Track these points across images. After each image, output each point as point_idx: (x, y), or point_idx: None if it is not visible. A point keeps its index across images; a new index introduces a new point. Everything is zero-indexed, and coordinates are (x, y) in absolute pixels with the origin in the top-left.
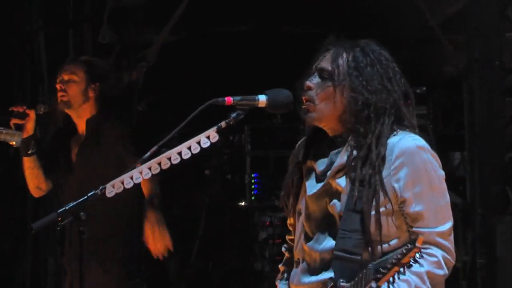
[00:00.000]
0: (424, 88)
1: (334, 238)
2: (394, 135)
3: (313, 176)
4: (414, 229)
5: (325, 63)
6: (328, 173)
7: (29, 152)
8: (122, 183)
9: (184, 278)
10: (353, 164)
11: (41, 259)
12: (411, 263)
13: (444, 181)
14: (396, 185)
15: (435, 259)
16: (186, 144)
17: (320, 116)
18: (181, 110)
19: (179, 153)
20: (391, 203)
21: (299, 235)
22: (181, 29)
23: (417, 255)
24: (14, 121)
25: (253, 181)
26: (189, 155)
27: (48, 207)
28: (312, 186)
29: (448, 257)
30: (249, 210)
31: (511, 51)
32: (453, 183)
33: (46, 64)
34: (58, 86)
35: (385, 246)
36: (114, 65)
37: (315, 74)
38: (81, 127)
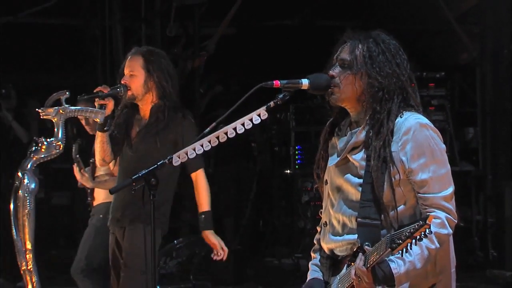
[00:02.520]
0: (443, 73)
1: (349, 206)
2: (401, 116)
3: (335, 151)
4: (420, 194)
5: (344, 54)
6: (345, 148)
7: (105, 128)
8: (186, 153)
9: (238, 234)
10: (369, 140)
11: None
12: (421, 236)
13: (445, 153)
14: (403, 158)
15: (439, 221)
16: (240, 121)
17: (343, 97)
18: (236, 92)
19: (234, 129)
20: (400, 174)
21: (326, 201)
22: (236, 23)
23: (427, 230)
24: (99, 102)
25: (297, 152)
26: (243, 130)
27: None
28: (333, 160)
29: (451, 217)
30: (294, 177)
31: None
32: (468, 153)
33: (122, 52)
34: (123, 82)
35: (397, 210)
36: (180, 54)
37: (336, 64)
38: (144, 111)
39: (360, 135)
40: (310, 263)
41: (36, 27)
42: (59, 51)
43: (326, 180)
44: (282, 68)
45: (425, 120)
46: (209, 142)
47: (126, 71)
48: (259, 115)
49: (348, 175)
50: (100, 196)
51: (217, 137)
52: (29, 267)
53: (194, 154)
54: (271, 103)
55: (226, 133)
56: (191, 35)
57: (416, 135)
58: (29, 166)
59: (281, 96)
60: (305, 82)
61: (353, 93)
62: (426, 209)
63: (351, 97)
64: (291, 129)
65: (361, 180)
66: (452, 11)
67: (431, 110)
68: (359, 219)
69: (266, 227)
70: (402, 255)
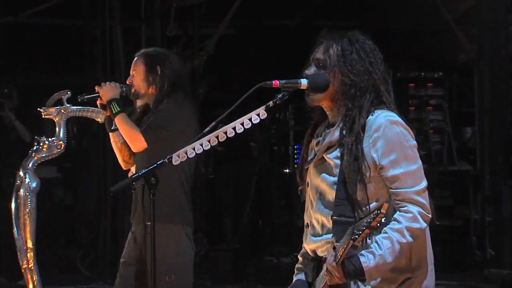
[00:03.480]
0: (441, 73)
1: (326, 205)
2: (372, 114)
3: (313, 152)
4: (392, 190)
5: (319, 54)
6: (320, 148)
7: (112, 128)
8: (186, 153)
9: (237, 233)
10: (343, 137)
11: (119, 217)
12: (378, 225)
13: (415, 149)
14: (374, 155)
15: (411, 215)
16: (239, 120)
17: (318, 98)
18: (235, 92)
19: (234, 128)
20: (371, 171)
21: (307, 202)
22: (236, 23)
23: (382, 219)
24: (99, 101)
25: (295, 151)
26: (242, 130)
27: (124, 173)
28: (311, 160)
29: (424, 211)
30: (293, 176)
31: None
32: (465, 153)
33: (122, 52)
34: (128, 82)
35: (370, 206)
36: (180, 54)
37: (312, 64)
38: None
39: (334, 134)
40: (296, 266)
41: (36, 27)
42: (60, 51)
43: (308, 182)
44: (281, 68)
45: (396, 117)
46: (209, 141)
47: (131, 72)
48: (258, 115)
49: (324, 175)
50: None
51: (217, 137)
52: (30, 266)
53: (194, 154)
54: (270, 103)
55: (225, 133)
56: (190, 35)
57: (386, 132)
58: (30, 165)
59: (280, 96)
60: (304, 82)
61: (327, 92)
62: (398, 204)
63: (326, 96)
64: (290, 129)
65: (336, 179)
66: (450, 12)
67: (429, 110)
68: (334, 217)
69: (265, 226)
70: (372, 249)
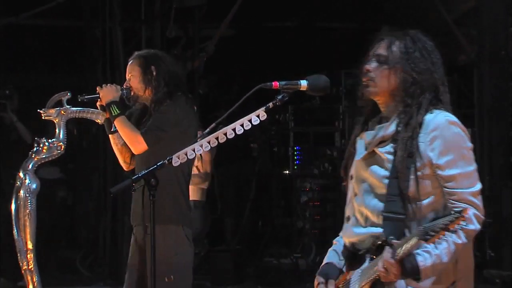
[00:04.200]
0: None
1: (373, 198)
2: (431, 112)
3: (362, 145)
4: (448, 190)
5: (381, 49)
6: (373, 142)
7: (111, 130)
8: (186, 154)
9: (237, 234)
10: (397, 132)
11: (119, 218)
12: (456, 228)
13: (471, 151)
14: (431, 154)
15: (467, 216)
16: (239, 121)
17: (377, 91)
18: (235, 93)
19: (233, 129)
20: (426, 168)
21: (350, 195)
22: (236, 25)
23: (463, 223)
24: (99, 102)
25: (295, 153)
26: (242, 131)
27: (125, 174)
28: (360, 153)
29: (478, 213)
30: (292, 177)
31: None
32: None
33: (122, 54)
34: (125, 86)
35: (422, 204)
36: (180, 55)
37: (373, 59)
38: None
39: (389, 128)
40: (330, 249)
41: (37, 29)
42: (60, 52)
43: (352, 175)
44: (281, 69)
45: (454, 118)
46: (209, 142)
47: (127, 76)
48: (258, 116)
49: (374, 168)
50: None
51: (217, 138)
52: (30, 267)
53: (194, 155)
54: (270, 104)
55: (225, 134)
56: (190, 36)
57: (444, 132)
58: (30, 166)
59: (280, 97)
60: (303, 83)
61: (387, 87)
62: (454, 204)
63: (385, 91)
64: (290, 130)
65: (387, 173)
66: (450, 13)
67: None
68: (385, 213)
69: (265, 227)
70: (428, 248)
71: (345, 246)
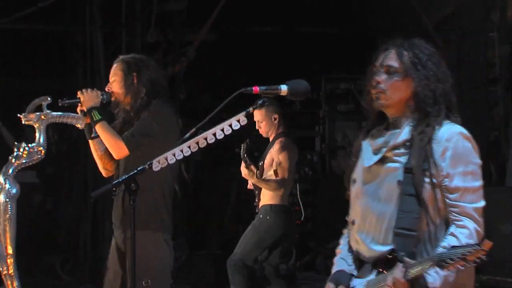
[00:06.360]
0: None
1: (383, 205)
2: (445, 123)
3: (369, 151)
4: (452, 202)
5: (391, 61)
6: (385, 148)
7: (92, 136)
8: (166, 159)
9: (219, 238)
10: (410, 139)
11: (99, 222)
12: (475, 261)
13: (480, 168)
14: (442, 164)
15: (468, 231)
16: (220, 126)
17: (390, 103)
18: (215, 98)
19: (214, 134)
20: (439, 176)
21: (354, 200)
22: (217, 30)
23: (483, 257)
24: (80, 107)
25: None
26: (222, 136)
27: (105, 179)
28: (368, 159)
29: (479, 229)
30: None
31: (494, 48)
32: None
33: (103, 58)
34: (107, 89)
35: (439, 207)
36: (160, 60)
37: (381, 71)
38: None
39: (401, 135)
40: (336, 257)
41: (17, 33)
42: (41, 57)
43: (355, 179)
44: (261, 74)
45: (467, 132)
46: (189, 147)
47: (110, 79)
48: (238, 121)
49: (386, 173)
50: (264, 198)
51: (197, 143)
52: (10, 272)
53: (174, 160)
54: (251, 109)
55: (205, 139)
56: (171, 41)
57: (457, 145)
58: (10, 171)
59: (260, 101)
60: (284, 88)
61: (400, 98)
62: (455, 217)
63: (398, 103)
64: None
65: (400, 178)
66: (429, 19)
67: None
68: (395, 229)
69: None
70: (436, 269)
71: (351, 250)
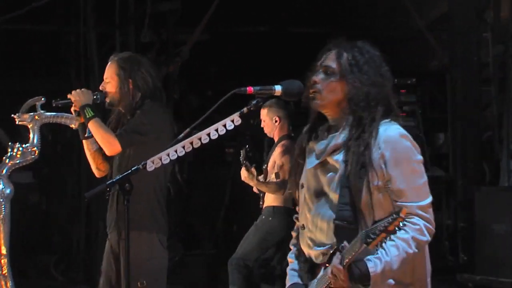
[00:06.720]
0: (414, 79)
1: (327, 209)
2: (382, 125)
3: (313, 154)
4: (398, 203)
5: (329, 61)
6: (325, 151)
7: (85, 136)
8: (160, 159)
9: (212, 239)
10: (349, 142)
11: (93, 223)
12: (395, 230)
13: (422, 164)
14: (383, 166)
15: (418, 227)
16: (214, 126)
17: (324, 103)
18: (209, 98)
19: (208, 134)
20: (378, 180)
21: (302, 205)
22: (210, 30)
23: (401, 224)
24: (73, 107)
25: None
26: (216, 136)
27: (99, 180)
28: (311, 162)
29: (429, 225)
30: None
31: (487, 48)
32: (438, 159)
33: (97, 58)
34: (101, 88)
35: (374, 215)
36: (154, 60)
37: (320, 70)
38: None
39: (339, 138)
40: (288, 268)
41: (11, 33)
42: (34, 57)
43: (302, 184)
44: (255, 74)
45: (404, 131)
46: (183, 147)
47: (104, 78)
48: (232, 121)
49: (327, 178)
50: (267, 199)
51: (191, 143)
52: (3, 272)
53: (168, 160)
54: (245, 109)
55: (200, 139)
56: (165, 41)
57: (396, 145)
58: (4, 171)
59: (254, 102)
60: (278, 88)
61: (334, 100)
62: (406, 216)
63: (332, 103)
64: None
65: (339, 182)
66: (422, 19)
67: (402, 116)
68: (336, 221)
69: (239, 232)
70: (379, 255)
71: (302, 256)
